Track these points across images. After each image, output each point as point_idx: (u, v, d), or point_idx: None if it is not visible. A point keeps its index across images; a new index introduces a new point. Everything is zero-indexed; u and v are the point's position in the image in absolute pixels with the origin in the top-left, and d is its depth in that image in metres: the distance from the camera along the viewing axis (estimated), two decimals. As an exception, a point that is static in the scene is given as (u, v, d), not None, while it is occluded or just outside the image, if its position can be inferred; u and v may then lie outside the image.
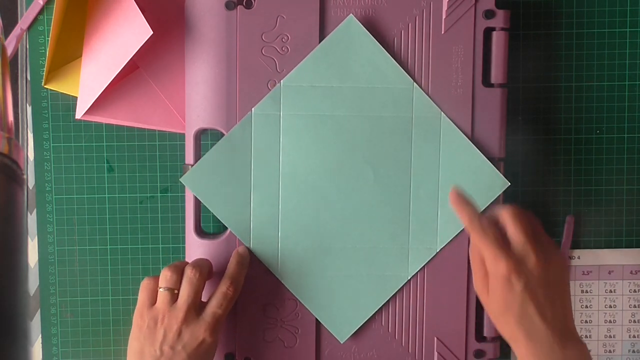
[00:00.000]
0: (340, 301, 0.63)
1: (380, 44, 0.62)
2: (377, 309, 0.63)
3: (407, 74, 0.61)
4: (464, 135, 0.62)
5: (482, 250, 0.56)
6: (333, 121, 0.62)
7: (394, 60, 0.61)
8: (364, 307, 0.63)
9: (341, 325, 0.63)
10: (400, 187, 0.62)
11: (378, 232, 0.63)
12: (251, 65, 0.62)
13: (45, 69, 0.66)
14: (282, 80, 0.61)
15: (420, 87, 0.63)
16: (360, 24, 0.61)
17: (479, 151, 0.62)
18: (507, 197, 0.65)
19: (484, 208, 0.62)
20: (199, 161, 0.62)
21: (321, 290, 0.63)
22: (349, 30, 0.61)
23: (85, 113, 0.65)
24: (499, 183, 0.62)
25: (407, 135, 0.62)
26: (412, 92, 0.61)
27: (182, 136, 0.66)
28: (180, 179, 0.62)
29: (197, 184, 0.62)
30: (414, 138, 0.62)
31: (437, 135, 0.62)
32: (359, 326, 0.63)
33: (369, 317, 0.63)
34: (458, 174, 0.62)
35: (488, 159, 0.63)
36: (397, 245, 0.63)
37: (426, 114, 0.62)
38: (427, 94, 0.63)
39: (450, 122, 0.62)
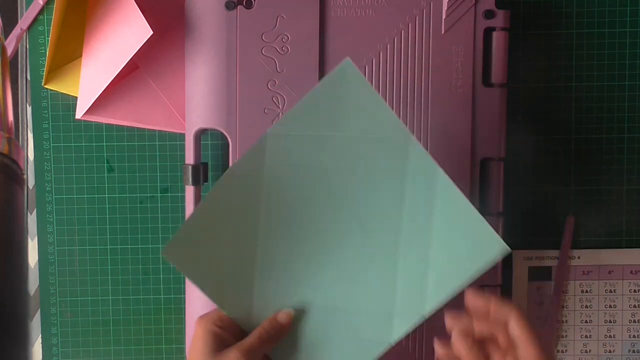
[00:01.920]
0: None
1: (380, 44, 0.62)
2: None
3: (404, 126, 0.55)
4: (463, 195, 0.54)
5: None
6: (321, 173, 0.56)
7: (392, 110, 0.55)
8: None
9: None
10: (388, 246, 0.56)
11: (361, 293, 0.57)
12: (251, 65, 0.62)
13: (45, 69, 0.66)
14: (268, 130, 0.55)
15: (421, 87, 0.63)
16: (357, 69, 0.54)
17: (478, 213, 0.54)
18: (507, 197, 0.65)
19: (479, 272, 0.54)
20: (179, 229, 0.56)
21: (299, 353, 0.58)
22: (345, 75, 0.54)
23: (85, 113, 0.65)
24: (498, 248, 0.54)
25: (399, 191, 0.56)
26: (408, 144, 0.55)
27: (182, 136, 0.66)
28: (162, 253, 0.56)
29: (178, 256, 0.56)
30: (406, 194, 0.56)
31: (432, 193, 0.55)
32: None
33: None
34: (453, 234, 0.55)
35: (488, 158, 0.63)
36: (381, 308, 0.57)
37: (422, 168, 0.55)
38: (428, 94, 0.63)
39: (449, 179, 0.54)
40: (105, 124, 0.67)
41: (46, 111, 0.67)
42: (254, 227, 0.56)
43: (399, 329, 0.57)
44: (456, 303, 0.56)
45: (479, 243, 0.55)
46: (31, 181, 0.68)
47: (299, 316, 0.57)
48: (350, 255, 0.57)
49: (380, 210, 0.56)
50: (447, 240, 0.55)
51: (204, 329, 0.54)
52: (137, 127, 0.67)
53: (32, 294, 0.69)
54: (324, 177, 0.56)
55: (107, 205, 0.68)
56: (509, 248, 0.54)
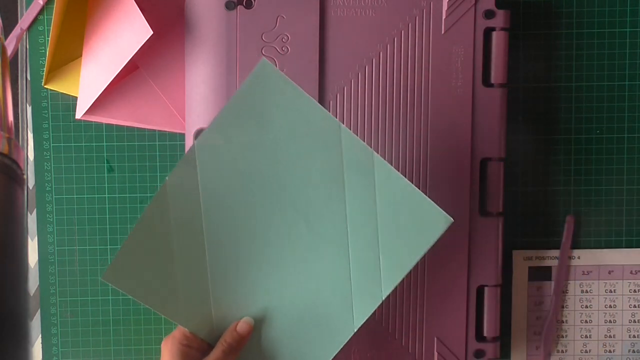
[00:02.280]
0: None
1: (380, 44, 0.62)
2: None
3: (332, 116, 0.55)
4: (400, 174, 0.55)
5: None
6: (257, 177, 0.56)
7: (317, 102, 0.55)
8: None
9: None
10: (336, 236, 0.57)
11: (317, 287, 0.58)
12: (251, 66, 0.62)
13: (45, 69, 0.66)
14: (195, 142, 0.55)
15: (421, 87, 0.63)
16: (275, 66, 0.55)
17: (417, 189, 0.56)
18: (507, 198, 0.65)
19: (427, 247, 0.56)
20: (117, 254, 0.56)
21: (266, 355, 0.58)
22: (263, 75, 0.54)
23: (85, 113, 0.65)
24: (442, 220, 0.55)
25: (338, 180, 0.56)
26: (339, 133, 0.55)
27: (182, 136, 0.66)
28: (102, 278, 0.56)
29: (121, 279, 0.56)
30: (346, 182, 0.56)
31: (370, 177, 0.56)
32: None
33: None
34: (397, 215, 0.56)
35: (488, 158, 0.63)
36: (338, 297, 0.58)
37: (357, 155, 0.55)
38: (428, 94, 0.63)
39: (384, 160, 0.55)
40: (105, 124, 0.67)
41: (46, 111, 0.67)
42: (199, 239, 0.56)
43: (360, 315, 0.58)
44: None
45: (423, 219, 0.56)
46: (31, 181, 0.68)
47: (259, 321, 0.58)
48: (300, 253, 0.57)
49: (323, 203, 0.57)
50: (393, 221, 0.56)
51: (170, 350, 0.56)
52: (137, 127, 0.67)
53: (32, 294, 0.69)
54: (261, 180, 0.56)
55: (107, 205, 0.68)
56: (451, 219, 0.55)
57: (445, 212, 0.55)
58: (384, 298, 0.57)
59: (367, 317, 0.58)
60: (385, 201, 0.56)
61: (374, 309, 0.57)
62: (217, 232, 0.57)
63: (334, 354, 0.58)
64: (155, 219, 0.55)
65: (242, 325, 0.57)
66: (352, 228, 0.57)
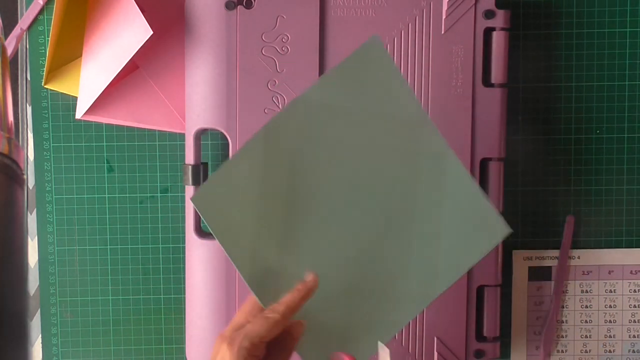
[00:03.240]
0: (339, 343, 0.58)
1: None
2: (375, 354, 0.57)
3: (422, 108, 0.58)
4: (472, 177, 0.57)
5: None
6: (342, 143, 0.57)
7: (412, 91, 0.58)
8: (363, 352, 0.57)
9: None
10: (403, 225, 0.58)
11: (377, 273, 0.58)
12: (251, 65, 0.62)
13: (45, 69, 0.66)
14: (298, 96, 0.57)
15: (421, 87, 0.63)
16: (383, 46, 0.57)
17: (483, 193, 0.57)
18: (507, 198, 0.65)
19: (483, 255, 0.57)
20: (209, 178, 0.57)
21: (319, 341, 0.57)
22: (371, 50, 0.57)
23: (85, 113, 0.65)
24: (500, 230, 0.57)
25: (413, 170, 0.58)
26: (423, 125, 0.57)
27: (182, 136, 0.66)
28: (191, 199, 0.56)
29: (207, 205, 0.55)
30: (419, 173, 0.58)
31: (444, 174, 0.57)
32: None
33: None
34: (461, 216, 0.57)
35: (488, 158, 0.63)
36: (395, 289, 0.58)
37: (435, 150, 0.57)
38: (428, 94, 0.63)
39: (459, 161, 0.57)
40: (105, 124, 0.67)
41: (46, 111, 0.67)
42: (281, 193, 0.57)
43: (411, 310, 0.58)
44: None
45: (483, 225, 0.57)
46: (31, 181, 0.68)
47: (317, 297, 0.56)
48: (367, 230, 0.58)
49: (397, 187, 0.58)
50: (457, 222, 0.57)
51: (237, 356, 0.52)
52: (137, 127, 0.67)
53: (32, 294, 0.69)
54: (345, 147, 0.57)
55: (107, 205, 0.68)
56: (510, 229, 0.57)
57: (506, 223, 0.57)
58: (435, 297, 0.58)
59: (416, 314, 0.59)
60: (452, 200, 0.57)
61: (426, 305, 0.58)
62: (298, 189, 0.57)
63: (385, 343, 0.56)
64: (250, 157, 0.56)
65: (311, 277, 0.55)
66: (419, 219, 0.58)
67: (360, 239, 0.58)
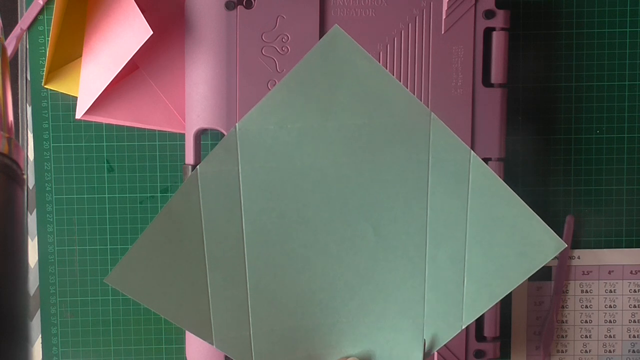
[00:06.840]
0: None
1: (380, 44, 0.62)
2: None
3: (421, 102, 0.45)
4: (503, 182, 0.45)
5: None
6: (315, 172, 0.45)
7: (400, 83, 0.44)
8: None
9: None
10: (411, 249, 0.46)
11: (382, 305, 0.47)
12: (251, 65, 0.62)
13: (45, 69, 0.66)
14: (237, 124, 0.44)
15: (421, 87, 0.63)
16: (350, 37, 0.43)
17: (522, 202, 0.45)
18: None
19: (528, 275, 0.46)
20: (127, 252, 0.45)
21: None
22: (334, 46, 0.43)
23: (85, 113, 0.65)
24: (553, 244, 0.45)
25: (421, 182, 0.46)
26: (428, 124, 0.45)
27: (182, 136, 0.66)
28: (105, 280, 0.45)
29: (129, 282, 0.44)
30: (430, 185, 0.46)
31: (464, 182, 0.45)
32: None
33: None
34: (493, 231, 0.46)
35: (488, 158, 0.63)
36: (407, 321, 0.47)
37: (448, 153, 0.45)
38: (427, 94, 0.63)
39: (483, 163, 0.45)
40: (105, 124, 0.67)
41: (46, 111, 0.67)
42: (236, 244, 0.46)
43: (431, 345, 0.48)
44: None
45: (526, 240, 0.46)
46: (31, 181, 0.68)
47: (305, 339, 0.48)
48: (364, 265, 0.47)
49: (399, 208, 0.46)
50: (486, 238, 0.46)
51: None
52: (137, 127, 0.67)
53: (32, 294, 0.69)
54: (320, 175, 0.45)
55: (107, 205, 0.68)
56: (565, 244, 0.46)
57: (557, 235, 0.46)
58: (462, 328, 0.47)
59: (439, 348, 0.48)
60: (479, 212, 0.46)
61: (449, 340, 0.48)
62: (261, 235, 0.46)
63: None
64: (179, 214, 0.44)
65: None
66: (432, 241, 0.47)
67: (355, 270, 0.47)
